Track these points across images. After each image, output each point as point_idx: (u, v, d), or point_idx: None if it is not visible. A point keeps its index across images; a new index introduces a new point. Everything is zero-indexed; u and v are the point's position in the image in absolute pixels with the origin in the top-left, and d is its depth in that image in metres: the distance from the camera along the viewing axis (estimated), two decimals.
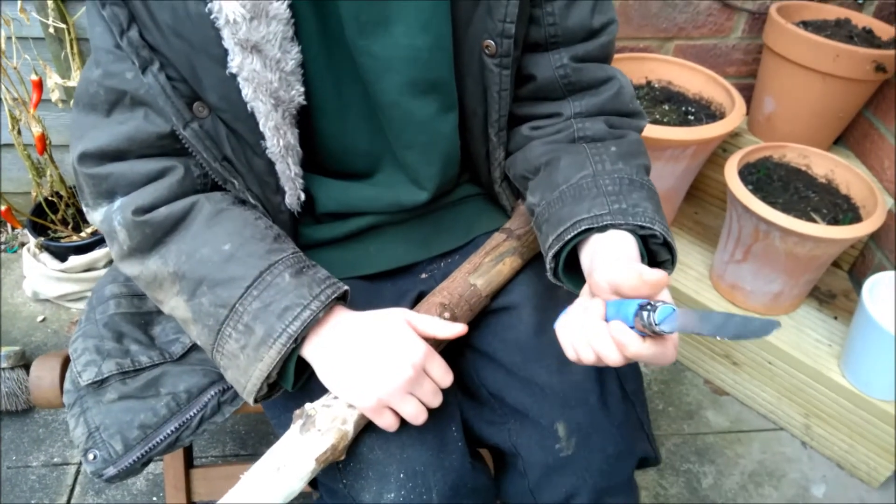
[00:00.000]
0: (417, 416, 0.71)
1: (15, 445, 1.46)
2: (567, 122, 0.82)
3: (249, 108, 0.72)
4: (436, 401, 0.72)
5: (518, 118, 0.85)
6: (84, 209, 0.78)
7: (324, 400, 0.72)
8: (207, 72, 0.69)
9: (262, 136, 0.74)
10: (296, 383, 0.75)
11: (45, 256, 1.70)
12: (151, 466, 1.42)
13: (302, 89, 0.75)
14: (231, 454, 1.48)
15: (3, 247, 1.93)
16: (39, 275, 1.69)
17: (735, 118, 1.50)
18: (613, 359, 0.62)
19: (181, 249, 0.72)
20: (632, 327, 0.61)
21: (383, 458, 0.74)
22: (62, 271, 1.68)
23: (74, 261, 1.67)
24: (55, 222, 1.70)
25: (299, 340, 0.69)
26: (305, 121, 0.79)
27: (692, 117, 1.60)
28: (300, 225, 0.88)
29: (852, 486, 1.47)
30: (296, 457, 0.68)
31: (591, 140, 0.80)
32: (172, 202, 0.73)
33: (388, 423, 0.71)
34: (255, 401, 0.73)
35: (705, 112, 1.61)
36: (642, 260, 0.71)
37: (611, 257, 0.68)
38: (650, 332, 0.60)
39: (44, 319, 1.74)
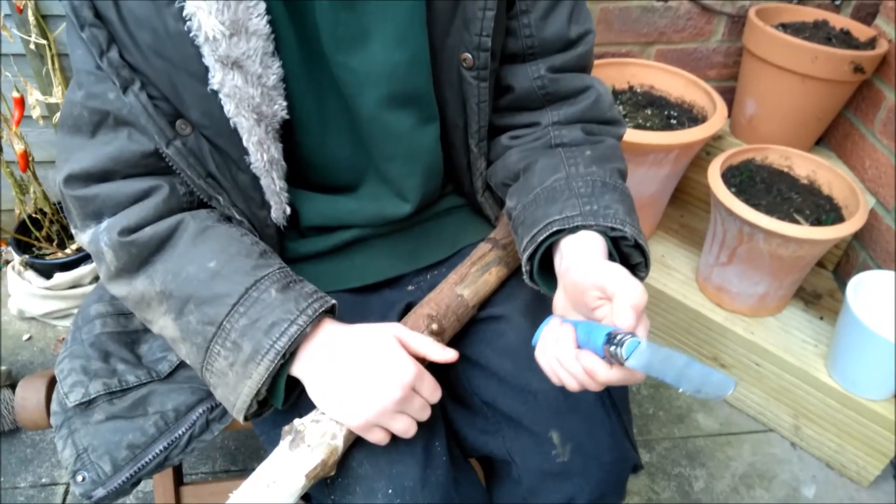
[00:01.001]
0: (407, 430, 0.71)
1: (2, 466, 1.45)
2: (545, 130, 0.83)
3: (232, 124, 0.72)
4: (424, 414, 0.72)
5: (498, 128, 0.85)
6: (73, 231, 0.77)
7: (313, 415, 0.71)
8: (189, 89, 0.69)
9: (245, 152, 0.74)
10: (286, 401, 0.74)
11: (30, 274, 1.68)
12: (141, 484, 1.41)
13: (284, 104, 0.75)
14: (221, 470, 1.47)
15: None
16: (25, 293, 1.68)
17: (717, 121, 1.51)
18: (594, 387, 0.66)
19: (167, 268, 0.72)
20: (602, 356, 0.63)
21: (371, 474, 0.73)
22: (47, 289, 1.66)
23: (60, 278, 1.66)
24: (39, 239, 1.69)
25: (287, 356, 0.69)
26: (288, 135, 0.79)
27: (674, 121, 1.61)
28: (285, 239, 0.88)
29: (842, 486, 1.47)
30: (285, 473, 0.67)
31: (567, 146, 0.81)
32: (158, 221, 0.73)
33: (377, 438, 0.71)
34: (246, 418, 0.73)
35: (687, 116, 1.62)
36: (613, 261, 0.72)
37: (584, 259, 0.70)
38: (619, 363, 0.62)
39: (30, 338, 1.73)
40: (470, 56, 0.75)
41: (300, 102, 0.76)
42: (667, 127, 1.59)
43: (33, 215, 1.68)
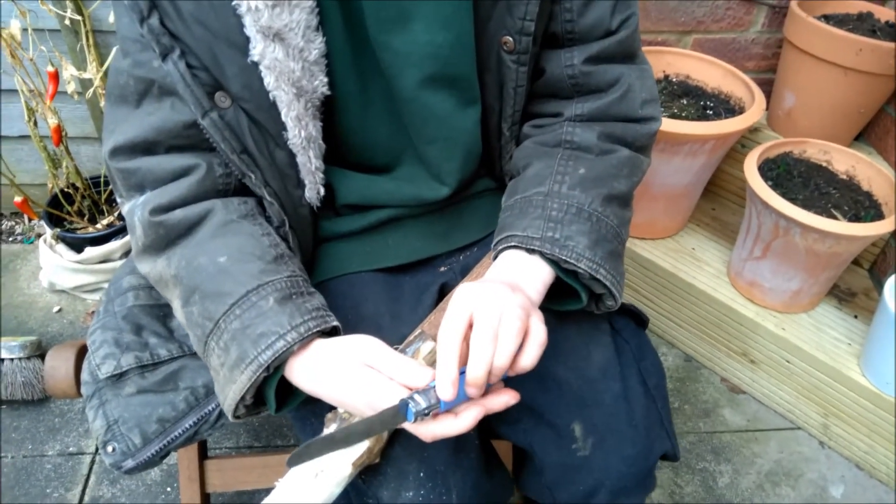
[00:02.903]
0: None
1: (31, 434, 1.47)
2: (562, 123, 0.81)
3: (271, 98, 0.71)
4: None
5: (527, 114, 0.84)
6: (118, 199, 0.78)
7: None
8: (229, 60, 0.68)
9: (284, 127, 0.74)
10: (282, 408, 0.73)
11: (62, 247, 1.70)
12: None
13: (326, 80, 0.74)
14: (245, 446, 1.48)
15: (19, 238, 1.94)
16: (55, 266, 1.70)
17: (754, 113, 1.48)
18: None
19: (184, 254, 0.72)
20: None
21: (402, 456, 0.73)
22: (78, 262, 1.68)
23: (90, 252, 1.67)
24: (71, 213, 1.70)
25: (272, 370, 0.68)
26: (328, 113, 0.79)
27: (711, 112, 1.58)
28: (320, 218, 0.87)
29: (871, 487, 1.45)
30: (332, 462, 0.67)
31: (575, 147, 0.79)
32: (190, 204, 0.73)
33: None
34: (237, 417, 0.72)
35: (724, 106, 1.59)
36: (562, 290, 0.76)
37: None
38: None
39: (60, 310, 1.75)
40: (511, 40, 0.74)
41: (343, 81, 0.76)
42: (702, 117, 1.56)
43: (65, 190, 1.69)
